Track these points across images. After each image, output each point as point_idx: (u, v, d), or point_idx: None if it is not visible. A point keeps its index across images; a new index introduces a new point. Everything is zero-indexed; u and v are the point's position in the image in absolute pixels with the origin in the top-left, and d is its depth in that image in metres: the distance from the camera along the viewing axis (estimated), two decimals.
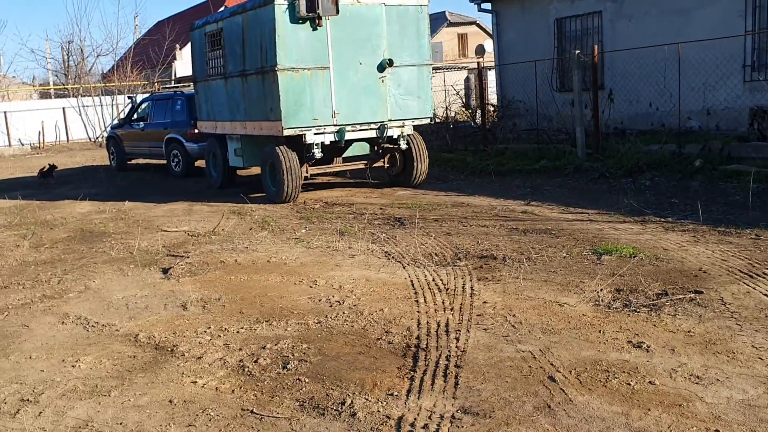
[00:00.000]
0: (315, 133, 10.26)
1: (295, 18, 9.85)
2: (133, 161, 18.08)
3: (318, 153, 10.36)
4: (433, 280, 6.05)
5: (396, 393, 3.83)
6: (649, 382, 3.72)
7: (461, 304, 5.31)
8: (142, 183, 15.16)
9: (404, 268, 6.55)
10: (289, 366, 4.32)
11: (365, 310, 5.34)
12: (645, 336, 4.39)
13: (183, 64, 36.10)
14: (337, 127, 10.36)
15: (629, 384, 3.71)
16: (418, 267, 6.56)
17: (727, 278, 5.47)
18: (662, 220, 7.92)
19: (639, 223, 7.83)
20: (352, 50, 10.36)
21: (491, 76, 19.60)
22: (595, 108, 11.58)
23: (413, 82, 10.91)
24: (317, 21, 9.91)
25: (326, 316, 5.24)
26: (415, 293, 5.69)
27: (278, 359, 4.46)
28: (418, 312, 5.20)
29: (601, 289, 5.39)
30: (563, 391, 3.68)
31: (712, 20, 12.22)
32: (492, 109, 15.83)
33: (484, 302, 5.32)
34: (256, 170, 13.31)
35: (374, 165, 11.70)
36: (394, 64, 10.58)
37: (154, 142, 15.83)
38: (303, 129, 10.14)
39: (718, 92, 12.00)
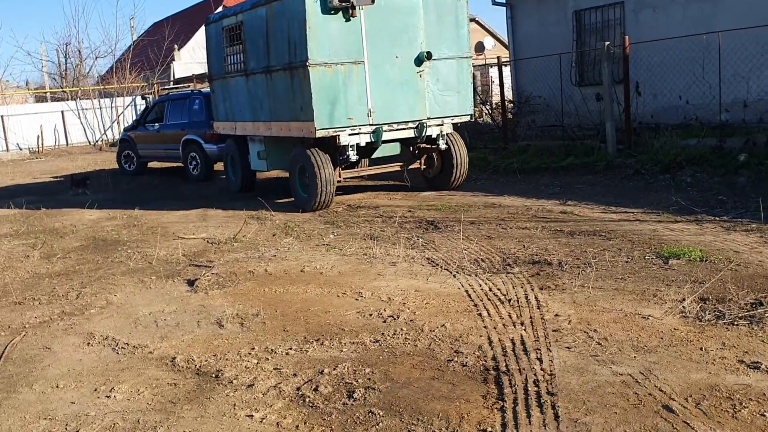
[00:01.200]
0: (350, 134, 9.41)
1: (326, 8, 9.01)
2: (150, 164, 17.42)
3: (353, 155, 9.55)
4: (490, 289, 5.55)
5: (489, 429, 3.33)
6: None
7: (531, 317, 4.81)
8: (151, 187, 14.62)
9: (454, 276, 6.05)
10: (355, 395, 3.82)
11: (425, 326, 4.83)
12: (757, 354, 3.89)
13: (182, 65, 35.56)
14: (374, 127, 9.51)
15: (764, 415, 3.21)
16: (469, 275, 6.06)
17: None
18: (717, 219, 7.43)
19: (693, 223, 7.33)
20: (388, 43, 9.52)
21: (505, 72, 19.08)
22: (626, 101, 11.09)
23: (452, 76, 10.05)
24: (351, 11, 9.09)
25: (383, 334, 4.74)
26: (475, 305, 5.18)
27: (341, 387, 3.96)
28: (485, 327, 4.70)
29: (684, 299, 4.89)
30: (688, 424, 3.18)
31: (743, 7, 11.73)
32: (510, 105, 15.31)
33: (556, 315, 4.82)
34: (275, 172, 12.84)
35: (410, 167, 10.85)
36: (433, 57, 9.73)
37: (171, 144, 15.05)
38: (337, 130, 9.28)
39: (754, 83, 11.50)
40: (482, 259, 6.58)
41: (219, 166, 14.01)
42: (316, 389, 3.95)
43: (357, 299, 5.62)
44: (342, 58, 9.23)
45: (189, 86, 30.74)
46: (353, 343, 4.63)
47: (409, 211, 9.41)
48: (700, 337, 4.21)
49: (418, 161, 10.77)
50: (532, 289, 5.45)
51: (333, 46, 9.14)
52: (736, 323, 4.37)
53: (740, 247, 6.16)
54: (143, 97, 20.90)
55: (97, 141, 28.43)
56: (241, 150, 11.72)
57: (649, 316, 4.64)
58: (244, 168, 11.80)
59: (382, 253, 7.14)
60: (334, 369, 4.20)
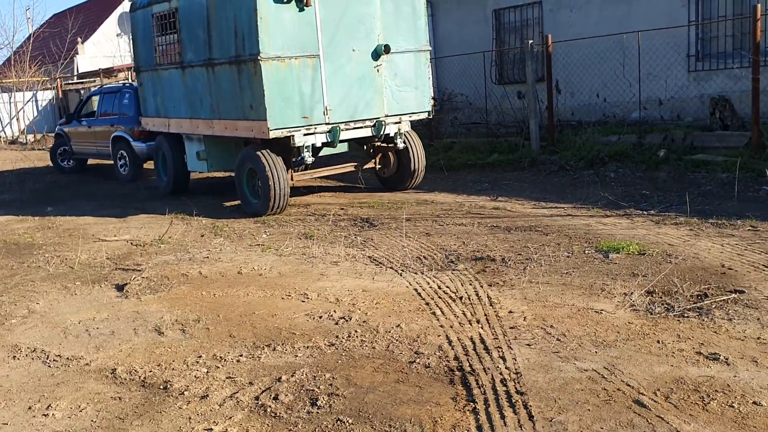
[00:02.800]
0: (305, 134, 8.58)
1: None
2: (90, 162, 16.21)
3: (309, 157, 8.72)
4: (440, 287, 5.49)
5: None
6: (754, 403, 3.29)
7: (486, 314, 4.78)
8: (61, 187, 13.83)
9: (400, 275, 5.95)
10: (319, 402, 3.66)
11: (379, 326, 4.71)
12: (713, 345, 3.98)
13: (86, 58, 34.02)
14: (330, 126, 8.72)
15: (733, 406, 3.27)
16: (415, 273, 5.98)
17: (757, 275, 5.17)
18: (645, 213, 7.64)
19: (624, 217, 7.52)
20: (344, 35, 8.76)
21: None
22: (549, 99, 11.31)
23: (410, 70, 9.40)
24: (304, 0, 8.34)
25: (337, 337, 4.59)
26: (427, 304, 5.11)
27: (302, 394, 3.79)
28: (441, 327, 4.62)
29: (632, 293, 4.97)
30: (662, 418, 3.20)
31: (656, 10, 12.19)
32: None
33: (510, 312, 4.80)
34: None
35: (365, 167, 10.17)
36: (391, 51, 9.02)
37: (102, 141, 14.05)
38: (291, 130, 8.44)
39: (662, 82, 11.97)
40: (424, 257, 6.52)
41: (150, 164, 13.32)
42: (276, 398, 3.76)
43: (303, 301, 5.44)
44: (296, 52, 8.41)
45: (94, 81, 29.49)
46: (307, 347, 4.46)
47: (342, 209, 9.26)
48: (654, 330, 4.28)
49: (373, 161, 10.14)
50: (481, 286, 5.42)
51: (286, 39, 8.33)
52: (686, 315, 4.47)
53: (674, 240, 6.34)
54: (77, 91, 19.40)
55: None
56: (174, 148, 10.90)
57: (602, 310, 4.69)
58: (177, 168, 10.96)
59: (321, 252, 6.97)
60: (292, 376, 4.02)
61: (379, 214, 8.73)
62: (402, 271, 6.07)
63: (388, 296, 5.37)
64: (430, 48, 9.73)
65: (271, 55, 8.19)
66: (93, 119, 14.37)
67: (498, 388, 3.64)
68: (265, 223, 8.64)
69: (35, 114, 29.36)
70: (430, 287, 5.51)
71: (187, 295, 5.88)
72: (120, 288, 6.29)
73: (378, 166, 10.19)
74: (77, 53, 33.93)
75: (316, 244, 7.32)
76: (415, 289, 5.49)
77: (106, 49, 34.83)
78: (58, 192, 12.99)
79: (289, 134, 8.47)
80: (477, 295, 5.22)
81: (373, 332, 4.62)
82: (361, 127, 9.08)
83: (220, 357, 4.43)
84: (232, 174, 11.93)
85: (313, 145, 8.74)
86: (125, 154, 13.25)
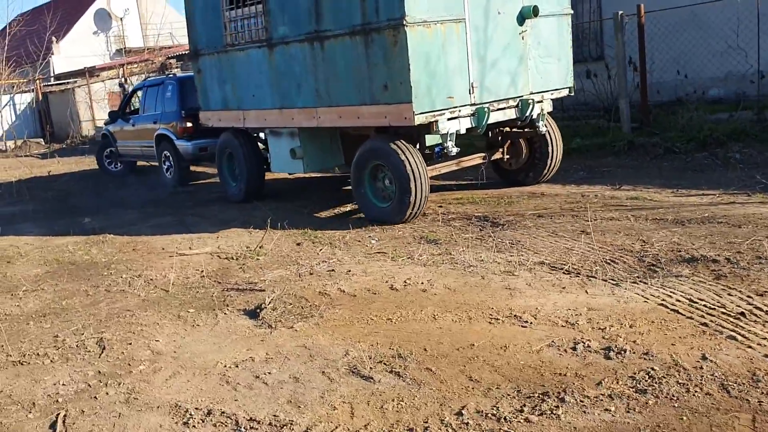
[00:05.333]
0: (449, 119, 6.93)
1: None
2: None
3: (453, 147, 7.04)
4: (693, 301, 4.35)
5: None
6: None
7: None
8: (74, 195, 12.37)
9: (617, 285, 4.80)
10: None
11: (677, 360, 3.56)
12: None
13: (61, 58, 32.20)
14: (475, 108, 7.12)
15: None
16: (626, 282, 4.84)
17: None
18: None
19: None
20: None
21: None
22: (642, 76, 10.25)
23: (553, 38, 7.82)
24: None
25: (634, 378, 3.42)
26: (705, 325, 3.97)
27: None
28: (766, 357, 3.49)
29: None
30: None
31: None
32: None
33: None
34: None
35: (492, 158, 8.41)
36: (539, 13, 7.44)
37: (146, 141, 12.30)
38: (436, 113, 6.80)
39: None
40: (611, 260, 5.39)
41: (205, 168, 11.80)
42: None
43: (523, 326, 4.26)
44: (441, 15, 6.74)
45: (75, 81, 27.71)
46: (610, 396, 3.28)
47: (440, 206, 8.07)
48: None
49: (500, 150, 8.43)
50: (749, 296, 4.31)
51: None
52: None
53: None
54: (120, 85, 17.35)
55: None
56: (247, 147, 9.27)
57: None
58: (251, 170, 9.28)
59: (470, 259, 5.79)
60: None
61: (494, 210, 7.57)
62: (607, 280, 4.93)
63: (636, 316, 4.22)
64: (572, 11, 8.20)
65: (417, 19, 6.54)
66: (137, 116, 12.68)
67: None
68: (365, 228, 7.42)
69: (13, 119, 27.54)
70: (679, 301, 4.38)
71: (352, 322, 4.67)
72: (253, 314, 5.05)
73: (506, 156, 8.53)
74: (52, 53, 32.07)
75: (451, 250, 6.14)
76: (661, 304, 4.35)
77: (83, 48, 33.04)
78: (77, 200, 11.54)
79: (433, 119, 6.81)
80: (758, 308, 4.10)
81: (676, 369, 3.47)
82: (505, 108, 7.47)
83: (490, 414, 3.24)
84: (290, 175, 10.59)
85: (457, 131, 7.09)
86: (169, 155, 11.62)
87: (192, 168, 12.01)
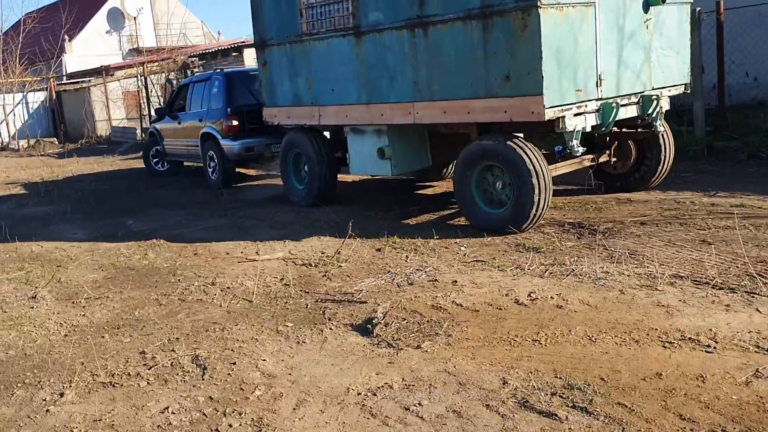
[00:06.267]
0: (575, 114, 6.21)
1: None
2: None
3: (578, 147, 6.33)
4: None
5: None
6: None
7: None
8: (109, 196, 11.77)
9: None
10: None
11: None
12: None
13: (74, 57, 31.57)
14: (600, 103, 6.44)
15: None
16: None
17: None
18: None
19: None
20: None
21: None
22: (720, 77, 9.67)
23: (673, 29, 7.13)
24: None
25: None
26: None
27: None
28: None
29: None
30: None
31: None
32: None
33: None
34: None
35: (600, 160, 7.53)
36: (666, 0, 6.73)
37: (191, 139, 11.55)
38: (564, 108, 6.08)
39: None
40: (760, 274, 4.81)
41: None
42: None
43: (707, 352, 3.66)
44: None
45: (90, 81, 27.09)
46: None
47: None
48: None
49: (607, 152, 7.58)
50: None
51: None
52: None
53: None
54: (169, 80, 16.44)
55: None
56: (320, 147, 8.48)
57: None
58: (324, 172, 8.45)
59: (594, 270, 5.19)
60: None
61: (585, 217, 6.99)
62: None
63: None
64: (692, 0, 7.55)
65: (551, 0, 5.80)
66: (184, 114, 11.91)
67: None
68: (446, 232, 6.83)
69: (26, 117, 26.93)
70: None
71: (491, 342, 4.07)
72: (363, 330, 4.46)
73: (613, 159, 7.61)
74: (65, 52, 31.46)
75: (562, 259, 5.56)
76: None
77: (96, 47, 32.42)
78: (114, 201, 10.94)
79: (561, 114, 6.04)
80: None
81: None
82: (627, 105, 6.72)
83: None
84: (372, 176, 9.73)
85: (583, 129, 6.35)
86: (214, 155, 10.89)
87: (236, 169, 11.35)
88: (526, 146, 6.32)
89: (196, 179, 12.45)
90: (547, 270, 5.35)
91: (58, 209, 10.35)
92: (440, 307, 4.75)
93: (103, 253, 7.27)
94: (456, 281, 5.27)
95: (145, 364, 4.22)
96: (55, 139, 25.68)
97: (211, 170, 11.18)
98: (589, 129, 6.46)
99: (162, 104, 22.14)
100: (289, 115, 8.59)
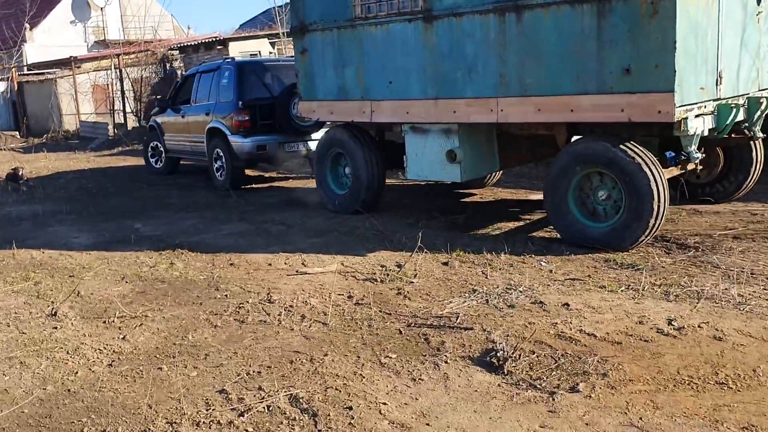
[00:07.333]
0: (696, 115, 5.47)
1: None
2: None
3: (697, 153, 5.69)
4: None
5: None
6: None
7: None
8: (104, 195, 10.74)
9: None
10: None
11: None
12: None
13: (35, 47, 29.98)
14: (716, 104, 5.71)
15: None
16: None
17: None
18: None
19: None
20: None
21: None
22: None
23: None
24: None
25: None
26: None
27: None
28: None
29: None
30: None
31: None
32: None
33: None
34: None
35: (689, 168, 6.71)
36: None
37: (196, 135, 10.53)
38: (688, 108, 5.33)
39: None
40: None
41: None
42: None
43: None
44: None
45: (56, 72, 25.63)
46: None
47: None
48: None
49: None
50: None
51: None
52: None
53: None
54: (172, 71, 15.01)
55: None
56: (369, 147, 7.56)
57: None
58: (371, 176, 7.52)
59: (729, 294, 4.54)
60: None
61: (663, 229, 6.36)
62: None
63: None
64: None
65: None
66: (188, 106, 10.83)
67: None
68: (516, 246, 6.12)
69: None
70: None
71: (664, 385, 3.37)
72: (489, 366, 3.71)
73: (699, 167, 6.90)
74: (25, 41, 29.84)
75: (672, 278, 4.90)
76: None
77: (58, 38, 30.85)
78: (111, 200, 9.94)
79: (685, 114, 5.26)
80: None
81: None
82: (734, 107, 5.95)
83: None
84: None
85: (702, 133, 5.61)
86: (221, 153, 9.88)
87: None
88: (645, 153, 5.55)
89: (192, 179, 11.51)
90: (667, 291, 4.68)
91: (47, 209, 9.31)
92: (568, 337, 4.03)
93: (119, 262, 6.35)
94: (568, 304, 4.56)
95: (233, 409, 3.39)
96: (17, 132, 24.20)
97: (216, 169, 10.15)
98: (706, 133, 5.73)
99: (137, 99, 21.04)
100: (331, 111, 7.63)
